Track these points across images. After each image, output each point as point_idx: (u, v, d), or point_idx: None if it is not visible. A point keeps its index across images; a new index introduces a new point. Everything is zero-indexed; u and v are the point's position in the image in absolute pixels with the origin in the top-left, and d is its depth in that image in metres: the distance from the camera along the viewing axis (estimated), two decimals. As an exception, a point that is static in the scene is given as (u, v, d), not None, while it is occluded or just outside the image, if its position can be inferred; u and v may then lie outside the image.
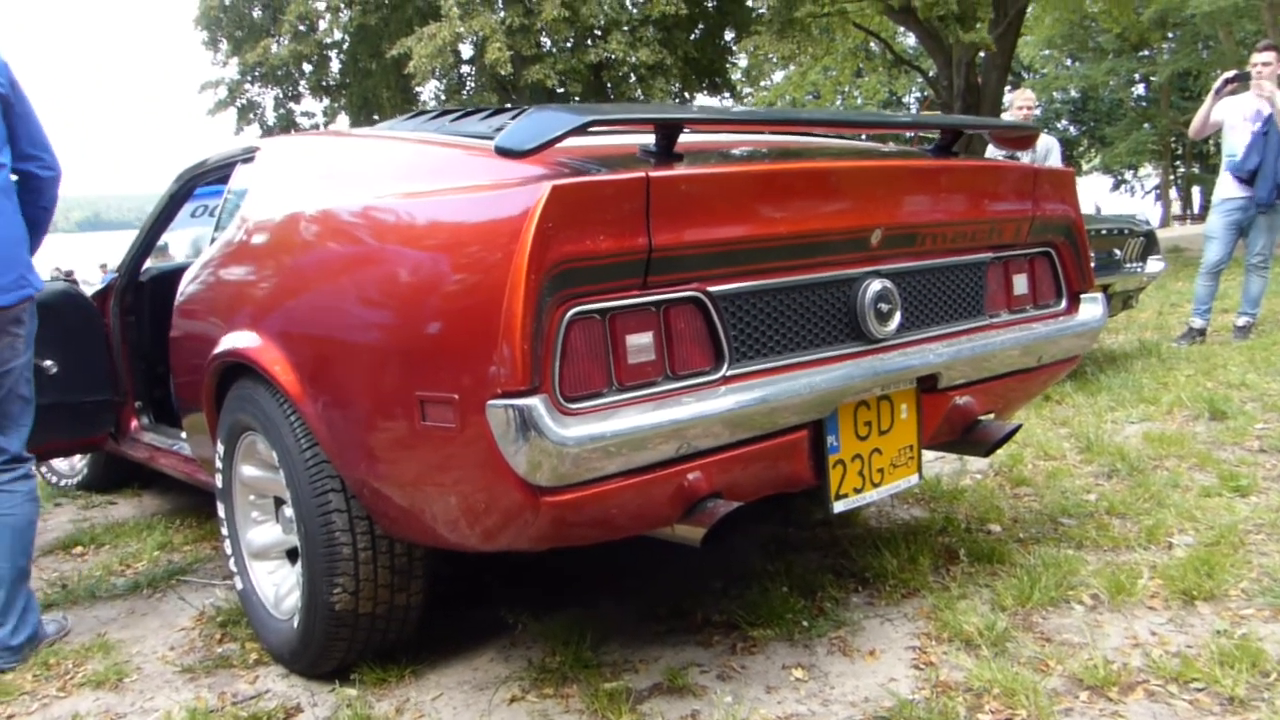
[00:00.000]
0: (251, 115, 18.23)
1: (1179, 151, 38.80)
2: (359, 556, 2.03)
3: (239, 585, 2.43)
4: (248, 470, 2.38)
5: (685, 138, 1.87)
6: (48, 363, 3.29)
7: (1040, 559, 2.53)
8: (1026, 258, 2.47)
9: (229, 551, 2.46)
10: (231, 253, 2.49)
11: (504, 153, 1.66)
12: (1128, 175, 44.42)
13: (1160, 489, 3.06)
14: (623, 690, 2.00)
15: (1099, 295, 2.59)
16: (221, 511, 2.47)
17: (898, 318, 2.08)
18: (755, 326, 1.87)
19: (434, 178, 1.96)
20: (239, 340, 2.25)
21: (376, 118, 17.18)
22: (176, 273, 3.53)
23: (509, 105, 2.62)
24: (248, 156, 2.79)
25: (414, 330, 1.75)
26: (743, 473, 1.89)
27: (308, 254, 2.13)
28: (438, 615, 2.37)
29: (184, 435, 3.00)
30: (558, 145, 1.64)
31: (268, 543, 2.41)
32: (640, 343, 1.71)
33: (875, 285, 2.04)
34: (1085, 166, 43.16)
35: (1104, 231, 5.33)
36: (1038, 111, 6.43)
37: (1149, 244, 5.65)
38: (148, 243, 3.56)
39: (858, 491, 2.09)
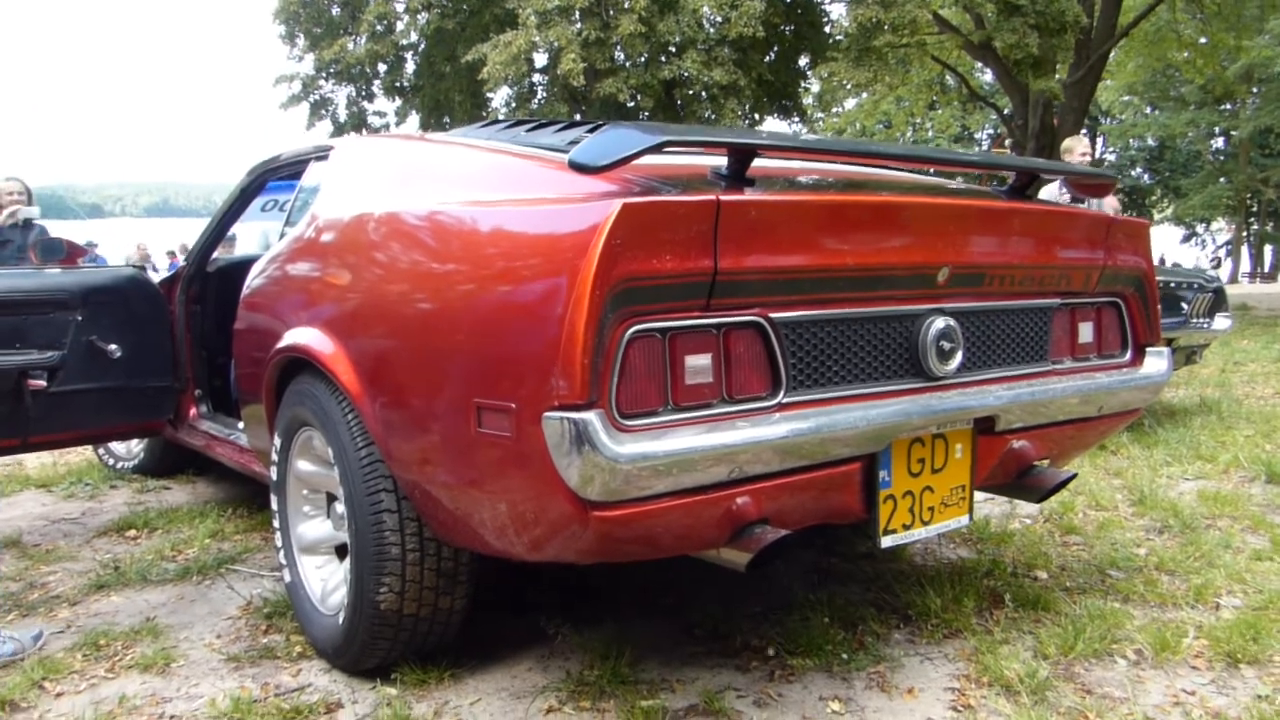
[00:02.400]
0: (324, 111, 18.56)
1: (1254, 208, 38.03)
2: (407, 558, 2.06)
3: (287, 578, 2.48)
4: (303, 465, 2.43)
5: (755, 162, 1.89)
6: (112, 346, 3.38)
7: (1086, 610, 2.48)
8: (1094, 306, 2.44)
9: (279, 544, 2.51)
10: (300, 249, 2.55)
11: (577, 167, 1.69)
12: (1199, 228, 43.65)
13: (1211, 548, 3.00)
14: (659, 709, 2.00)
15: (1164, 350, 2.55)
16: (274, 504, 2.52)
17: (959, 357, 2.07)
18: (814, 355, 1.87)
19: (506, 187, 2.00)
20: (302, 336, 2.30)
21: (448, 121, 17.44)
22: (243, 265, 3.62)
23: (581, 119, 2.67)
24: (322, 155, 2.86)
25: (476, 338, 1.77)
26: (792, 500, 1.89)
27: (376, 255, 2.17)
28: (479, 620, 2.39)
29: (241, 425, 3.07)
30: (630, 164, 1.67)
31: (318, 537, 2.45)
32: (699, 364, 1.72)
33: (939, 323, 2.03)
34: (1157, 216, 42.50)
35: (1173, 285, 5.25)
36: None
37: (1217, 300, 5.55)
38: (217, 234, 3.65)
39: (906, 528, 2.07)
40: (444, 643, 2.25)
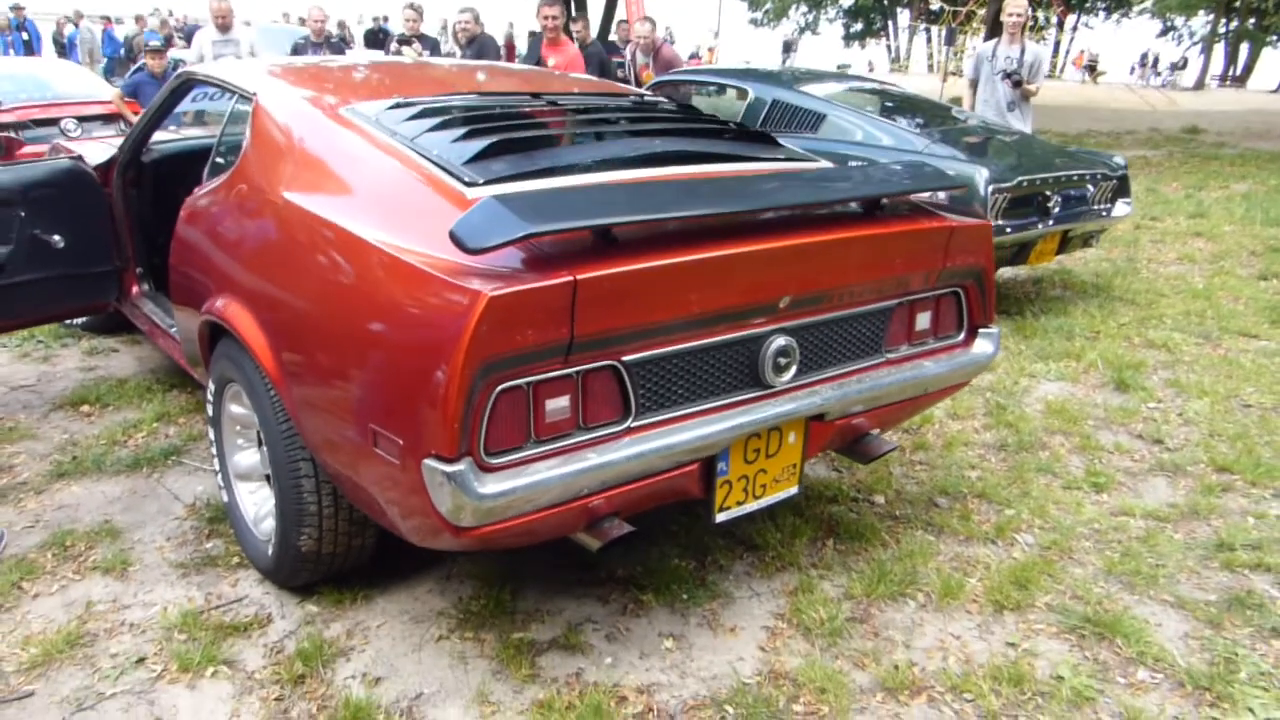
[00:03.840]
0: None
1: (1235, 4, 37.12)
2: (323, 512, 2.47)
3: (224, 499, 2.89)
4: (234, 408, 2.78)
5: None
6: (55, 237, 3.61)
7: (901, 545, 2.99)
8: (933, 298, 2.77)
9: (217, 468, 2.90)
10: (228, 206, 2.78)
11: (457, 242, 1.95)
12: (1178, 22, 42.70)
13: (1032, 474, 3.50)
14: (528, 642, 2.49)
15: (994, 330, 2.91)
16: (211, 435, 2.89)
17: (794, 369, 2.42)
18: (662, 383, 2.22)
19: (403, 211, 2.26)
20: (229, 309, 2.58)
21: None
22: (177, 155, 3.81)
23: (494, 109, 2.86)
24: (246, 97, 3.01)
25: (375, 373, 2.09)
26: (639, 496, 2.29)
27: (297, 253, 2.42)
28: (388, 543, 2.82)
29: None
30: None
31: (251, 466, 2.84)
32: (558, 405, 2.07)
33: (779, 341, 2.37)
34: (1137, 8, 41.41)
35: (1075, 177, 5.52)
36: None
37: (1121, 187, 5.85)
38: (147, 131, 3.78)
39: (740, 504, 2.50)
40: (358, 568, 2.70)
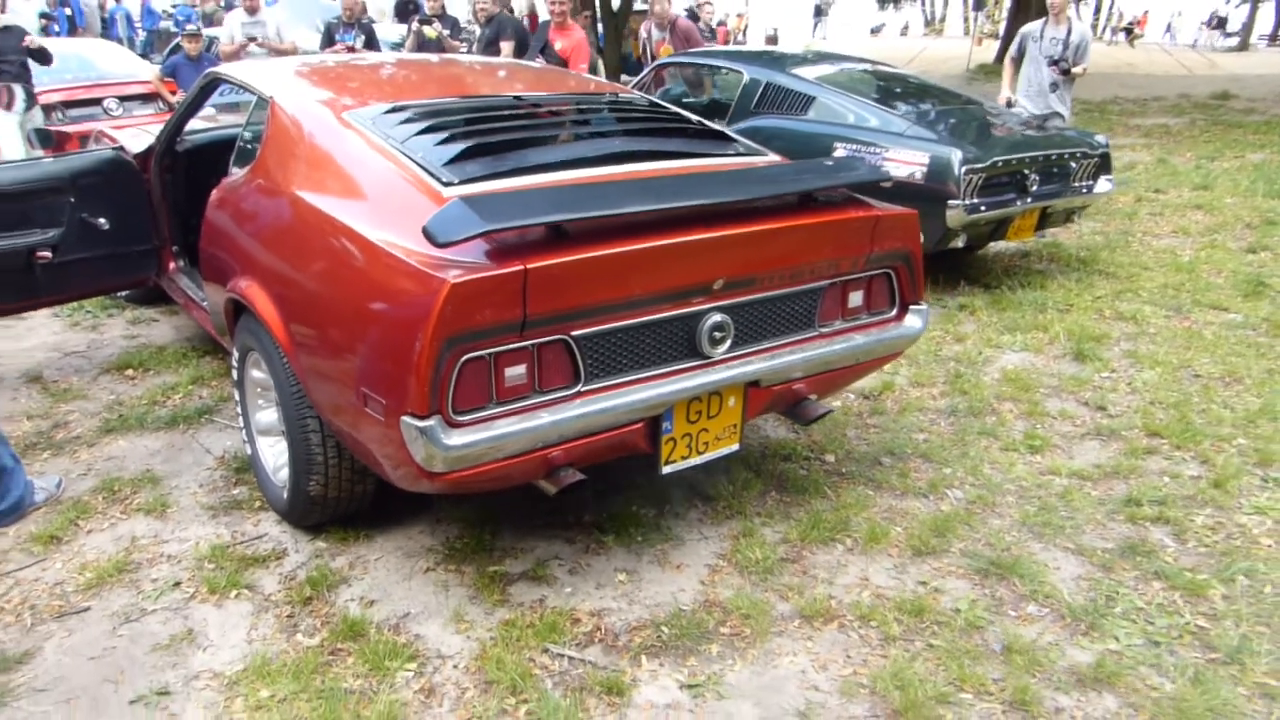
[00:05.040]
0: None
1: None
2: (329, 462, 2.90)
3: (248, 450, 3.34)
4: (255, 373, 3.22)
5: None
6: (101, 220, 4.07)
7: (840, 498, 3.37)
8: (865, 279, 3.13)
9: (241, 424, 3.35)
10: (250, 196, 3.20)
11: (428, 237, 2.35)
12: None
13: (974, 437, 3.85)
14: (501, 574, 2.92)
15: (923, 307, 3.26)
16: (236, 396, 3.33)
17: (729, 341, 2.80)
18: (608, 354, 2.61)
19: (392, 209, 2.65)
20: (250, 288, 3.01)
21: None
22: (206, 145, 4.25)
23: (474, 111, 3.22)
24: (263, 102, 3.42)
25: (364, 345, 2.50)
26: (592, 449, 2.69)
27: (305, 241, 2.83)
28: (388, 492, 3.24)
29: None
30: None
31: (270, 423, 3.28)
32: (516, 372, 2.47)
33: (715, 317, 2.75)
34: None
35: (1054, 156, 5.79)
36: None
37: (1103, 164, 6.11)
38: (178, 125, 4.22)
39: (684, 459, 2.89)
40: (361, 512, 3.14)
